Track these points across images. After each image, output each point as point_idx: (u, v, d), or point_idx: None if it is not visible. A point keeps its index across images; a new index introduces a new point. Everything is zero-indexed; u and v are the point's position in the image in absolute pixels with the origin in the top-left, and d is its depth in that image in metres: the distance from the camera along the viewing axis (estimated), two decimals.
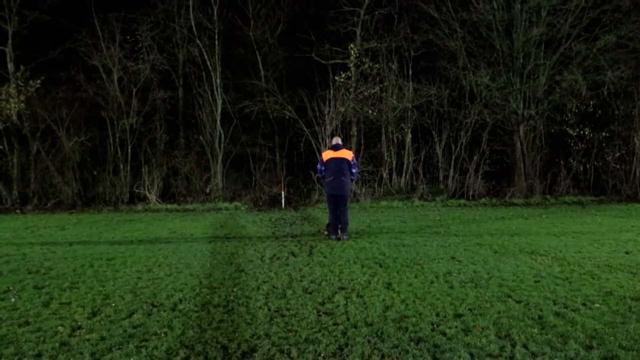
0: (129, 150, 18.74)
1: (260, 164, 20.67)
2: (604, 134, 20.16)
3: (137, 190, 18.30)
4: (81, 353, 3.90)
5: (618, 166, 20.21)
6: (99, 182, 18.32)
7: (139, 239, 9.95)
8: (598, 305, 5.04)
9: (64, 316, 4.83)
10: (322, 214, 15.02)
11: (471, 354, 3.82)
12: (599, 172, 20.70)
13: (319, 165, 9.84)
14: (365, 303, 5.18)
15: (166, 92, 19.76)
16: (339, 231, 9.70)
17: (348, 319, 4.65)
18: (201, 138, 19.41)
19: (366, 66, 18.67)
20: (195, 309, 5.03)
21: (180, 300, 5.33)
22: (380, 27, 19.52)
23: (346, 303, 5.19)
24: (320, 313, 4.85)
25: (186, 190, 18.77)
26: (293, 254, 8.13)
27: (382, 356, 3.82)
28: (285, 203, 17.67)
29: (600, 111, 20.26)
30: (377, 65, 18.77)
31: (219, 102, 19.46)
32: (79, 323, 4.62)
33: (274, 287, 5.90)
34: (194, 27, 19.35)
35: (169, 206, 17.43)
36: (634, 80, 19.36)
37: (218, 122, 19.45)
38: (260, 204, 17.78)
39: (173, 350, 3.93)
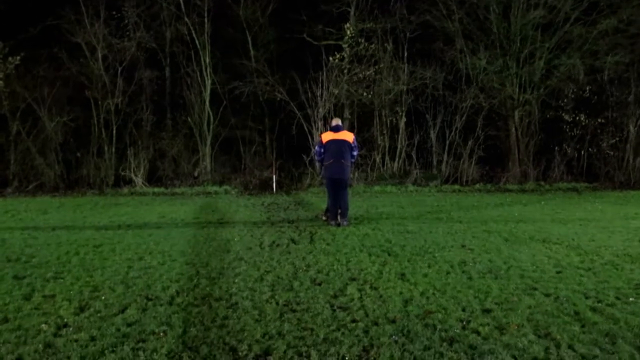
0: (114, 132, 18.03)
1: (250, 147, 20.08)
2: (599, 120, 19.89)
3: (122, 173, 17.63)
4: (69, 357, 3.39)
5: (612, 153, 20.00)
6: (83, 164, 17.62)
7: (127, 224, 9.39)
8: (633, 299, 4.66)
9: (48, 312, 4.31)
10: (315, 198, 14.56)
11: (514, 357, 3.39)
12: (592, 158, 20.49)
13: (317, 148, 9.30)
14: (381, 296, 4.73)
15: (153, 71, 18.99)
16: (339, 217, 9.24)
17: (367, 315, 4.20)
18: (189, 119, 18.74)
19: (361, 47, 18.06)
20: (195, 302, 4.53)
21: (178, 293, 4.82)
22: (375, 7, 18.91)
23: (361, 296, 4.74)
24: (335, 307, 4.39)
25: (174, 174, 18.14)
26: (293, 240, 7.65)
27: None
28: (276, 187, 17.16)
29: (596, 97, 19.96)
30: (372, 46, 18.18)
31: (208, 82, 18.77)
32: (65, 320, 4.09)
33: (278, 277, 5.43)
34: (182, 4, 18.57)
35: (156, 190, 16.82)
36: (630, 66, 19.07)
37: (207, 103, 18.78)
38: (251, 187, 17.25)
39: (175, 354, 3.43)
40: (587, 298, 4.70)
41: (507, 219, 10.08)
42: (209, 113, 18.85)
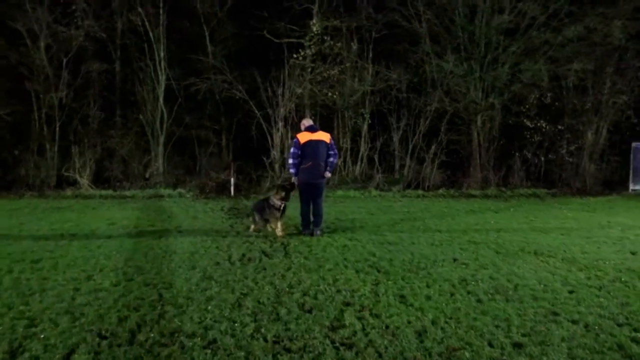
0: (57, 128, 16.52)
1: (205, 148, 18.99)
2: (559, 127, 19.94)
3: (66, 174, 16.18)
4: None
5: (571, 159, 20.12)
6: (21, 163, 16.03)
7: (72, 233, 8.26)
8: None
9: None
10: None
11: None
12: (549, 164, 20.57)
13: (293, 149, 8.39)
14: (388, 327, 3.98)
15: (102, 64, 17.54)
16: (311, 225, 8.45)
17: (380, 356, 3.43)
18: (141, 117, 17.44)
19: (327, 44, 17.33)
20: (163, 340, 3.63)
21: (139, 327, 3.90)
22: (340, 5, 18.24)
23: (363, 327, 3.97)
24: (337, 344, 3.61)
25: (123, 175, 16.81)
26: (265, 253, 6.80)
27: None
28: (234, 190, 16.18)
29: (556, 104, 20.03)
30: (338, 44, 17.47)
31: (162, 77, 17.56)
32: None
33: (259, 302, 4.58)
34: None
35: (103, 192, 15.49)
36: (590, 74, 19.22)
37: (160, 99, 17.56)
38: (207, 191, 16.17)
39: None
40: (619, 326, 4.12)
41: (486, 228, 9.58)
42: (162, 110, 17.63)
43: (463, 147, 20.31)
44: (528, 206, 14.41)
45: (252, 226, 8.66)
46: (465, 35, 18.28)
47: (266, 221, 8.44)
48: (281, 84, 17.38)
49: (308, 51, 17.55)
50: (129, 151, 17.18)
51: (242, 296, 4.76)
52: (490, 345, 3.65)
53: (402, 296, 4.85)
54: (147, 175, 16.98)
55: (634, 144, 20.16)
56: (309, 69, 17.83)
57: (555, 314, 4.38)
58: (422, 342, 3.68)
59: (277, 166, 17.61)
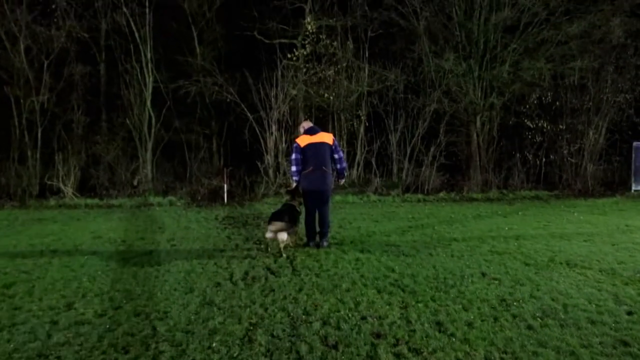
0: (39, 135, 15.65)
1: (196, 153, 18.20)
2: (560, 126, 19.41)
3: (49, 182, 15.30)
4: None
5: (573, 160, 19.59)
6: (1, 172, 15.16)
7: (52, 249, 7.45)
8: None
9: None
10: (273, 210, 12.95)
11: None
12: (550, 166, 20.04)
13: (294, 155, 7.63)
14: None
15: (86, 66, 16.70)
16: (317, 236, 7.73)
17: None
18: (127, 121, 16.59)
19: (322, 44, 16.64)
20: None
21: None
22: (333, 3, 17.58)
23: None
24: None
25: (109, 183, 15.95)
26: (271, 270, 6.06)
27: None
28: (227, 198, 15.40)
29: (557, 103, 19.50)
30: (334, 44, 16.80)
31: (150, 80, 16.74)
32: None
33: (272, 335, 3.85)
34: None
35: (89, 201, 14.63)
36: (591, 73, 18.75)
37: (148, 103, 16.72)
38: (199, 198, 15.37)
39: None
40: None
41: (502, 235, 8.92)
42: (150, 114, 16.80)
43: (462, 149, 19.73)
44: (535, 209, 13.82)
45: (281, 244, 6.98)
46: (463, 33, 17.72)
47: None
48: (274, 85, 16.67)
49: (302, 51, 16.85)
50: (116, 157, 16.34)
51: (252, 327, 4.03)
52: None
53: (439, 323, 4.15)
54: (135, 183, 16.14)
55: (635, 144, 19.69)
56: (304, 70, 17.13)
57: (626, 344, 3.71)
58: None
59: (271, 171, 16.87)
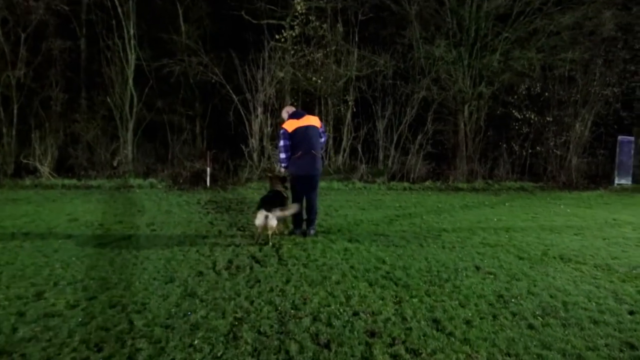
0: (15, 111, 15.01)
1: (179, 135, 17.71)
2: (548, 118, 19.33)
3: (25, 161, 14.74)
4: None
5: (558, 152, 19.57)
6: None
7: (25, 231, 7.05)
8: None
9: None
10: (258, 195, 12.63)
11: None
12: (535, 157, 20.00)
13: (282, 141, 7.24)
14: None
15: (65, 41, 16.03)
16: (304, 224, 7.46)
17: None
18: (108, 100, 16.00)
19: (311, 25, 16.22)
20: None
21: None
22: None
23: None
24: None
25: (88, 163, 15.42)
26: (256, 259, 5.78)
27: None
28: (210, 181, 15.02)
29: (546, 94, 19.39)
30: (323, 26, 16.39)
31: (132, 57, 16.15)
32: None
33: (259, 332, 3.58)
34: None
35: (66, 181, 14.12)
36: (580, 65, 18.67)
37: (130, 81, 16.15)
38: (181, 181, 14.96)
39: None
40: None
41: (492, 226, 8.75)
42: (132, 93, 16.25)
43: (448, 137, 19.56)
44: (521, 200, 13.75)
45: (270, 231, 6.61)
46: (454, 20, 17.44)
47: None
48: (260, 67, 16.23)
49: (291, 32, 16.42)
50: (95, 137, 15.79)
51: (237, 323, 3.75)
52: None
53: (436, 321, 3.91)
54: (115, 164, 15.64)
55: (619, 138, 19.73)
56: (292, 52, 16.72)
57: (633, 346, 3.53)
58: None
59: (255, 155, 16.51)
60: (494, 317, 4.05)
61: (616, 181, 19.39)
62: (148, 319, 3.76)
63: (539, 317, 4.06)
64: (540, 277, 5.31)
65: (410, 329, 3.74)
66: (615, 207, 12.83)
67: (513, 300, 4.48)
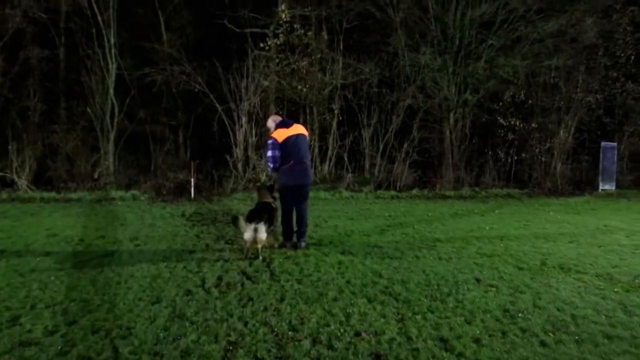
0: None
1: (162, 145, 17.35)
2: (533, 125, 19.36)
3: (1, 174, 14.27)
4: None
5: (544, 159, 19.60)
6: None
7: (0, 249, 6.69)
8: None
9: None
10: (243, 206, 12.37)
11: None
12: (520, 164, 20.01)
13: (271, 152, 6.95)
14: None
15: (43, 50, 15.63)
16: (295, 236, 7.19)
17: None
18: (88, 110, 15.60)
19: (296, 34, 16.03)
20: None
21: None
22: None
23: None
24: None
25: (68, 175, 14.95)
26: (247, 275, 5.50)
27: None
28: (194, 192, 14.67)
29: (530, 101, 19.43)
30: (308, 34, 16.22)
31: (113, 66, 15.79)
32: None
33: (256, 358, 3.31)
34: None
35: (45, 194, 13.64)
36: (563, 72, 18.78)
37: (111, 91, 15.78)
38: (164, 193, 14.56)
39: None
40: None
41: (485, 235, 8.59)
42: (112, 103, 15.86)
43: (434, 145, 19.49)
44: (509, 208, 13.68)
45: (259, 245, 6.33)
46: (439, 28, 17.42)
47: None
48: (244, 76, 15.98)
49: (275, 40, 16.21)
50: (75, 148, 15.36)
51: (231, 347, 3.47)
52: None
53: (443, 340, 3.69)
54: (95, 176, 15.20)
55: (603, 144, 19.85)
56: (276, 60, 16.51)
57: None
58: None
59: (240, 165, 16.21)
60: (503, 334, 3.84)
61: (600, 187, 19.46)
62: (134, 346, 3.46)
63: (549, 333, 3.86)
64: (543, 288, 5.12)
65: (417, 349, 3.50)
66: (603, 212, 12.81)
67: (520, 315, 4.28)
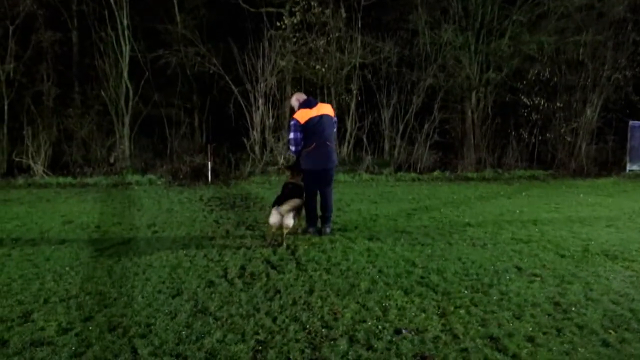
0: (6, 107, 14.37)
1: (177, 128, 17.08)
2: (558, 104, 18.68)
3: (17, 159, 14.12)
4: None
5: (568, 139, 18.95)
6: None
7: (14, 237, 6.44)
8: None
9: None
10: (262, 190, 12.08)
11: None
12: (544, 144, 19.38)
13: (293, 134, 6.58)
14: None
15: (55, 33, 15.33)
16: (319, 221, 6.85)
17: None
18: (103, 94, 15.35)
19: (312, 12, 15.55)
20: None
21: None
22: None
23: None
24: None
25: (84, 159, 14.79)
26: (272, 264, 5.18)
27: None
28: (211, 176, 14.40)
29: (555, 79, 18.73)
30: (325, 12, 15.72)
31: (126, 49, 15.47)
32: None
33: (288, 359, 3.00)
34: None
35: (61, 179, 13.49)
36: (590, 48, 18.03)
37: (125, 74, 15.48)
38: (181, 177, 14.33)
39: None
40: None
41: (517, 219, 8.18)
42: (127, 86, 15.58)
43: (455, 126, 18.95)
44: (536, 190, 13.19)
45: (285, 230, 6.03)
46: (460, 5, 16.78)
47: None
48: (260, 56, 15.57)
49: (293, 19, 15.74)
50: (90, 132, 15.16)
51: (260, 347, 3.16)
52: None
53: (493, 338, 3.33)
54: (111, 160, 15.02)
55: (631, 122, 19.14)
56: (293, 40, 16.07)
57: None
58: None
59: (257, 148, 15.90)
60: (559, 331, 3.47)
61: (628, 167, 18.82)
62: (155, 346, 3.16)
63: (610, 331, 3.48)
64: (592, 278, 4.73)
65: (466, 350, 3.16)
66: (636, 195, 12.31)
67: (572, 308, 3.90)
